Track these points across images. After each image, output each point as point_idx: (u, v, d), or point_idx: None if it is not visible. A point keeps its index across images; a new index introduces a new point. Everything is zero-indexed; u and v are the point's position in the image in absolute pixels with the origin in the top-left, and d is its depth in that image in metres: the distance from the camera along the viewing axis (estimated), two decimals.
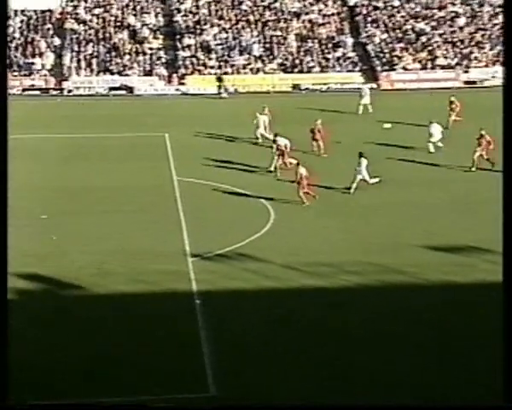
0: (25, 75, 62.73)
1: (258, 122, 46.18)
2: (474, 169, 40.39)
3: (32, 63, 63.71)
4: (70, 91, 61.55)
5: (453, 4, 70.43)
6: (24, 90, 61.16)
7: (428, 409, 11.44)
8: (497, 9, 69.57)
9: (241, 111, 51.83)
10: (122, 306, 26.56)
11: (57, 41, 65.77)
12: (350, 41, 67.10)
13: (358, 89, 56.97)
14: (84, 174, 40.67)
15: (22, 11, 67.21)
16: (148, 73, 63.80)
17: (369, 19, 69.00)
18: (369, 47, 66.85)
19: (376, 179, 37.65)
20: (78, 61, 64.16)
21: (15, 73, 62.51)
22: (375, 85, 63.01)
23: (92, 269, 29.07)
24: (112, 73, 63.28)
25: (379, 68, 64.89)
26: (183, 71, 64.25)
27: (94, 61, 64.21)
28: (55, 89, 61.68)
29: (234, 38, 67.06)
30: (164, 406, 11.12)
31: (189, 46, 66.34)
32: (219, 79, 61.54)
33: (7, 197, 7.16)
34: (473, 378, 22.21)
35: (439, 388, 21.74)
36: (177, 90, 62.39)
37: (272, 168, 40.56)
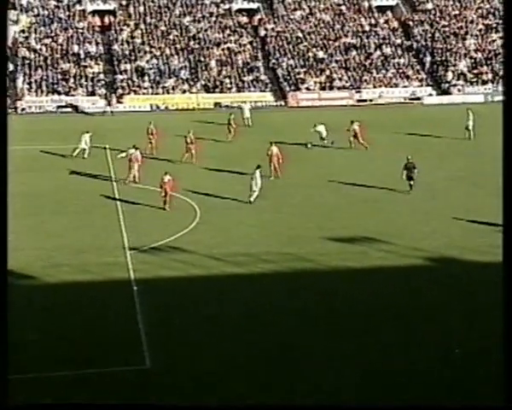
0: None
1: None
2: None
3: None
4: (23, 110, 60.67)
5: (346, 36, 71.17)
6: None
7: (428, 409, 10.68)
8: (381, 40, 70.61)
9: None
10: (70, 293, 26.14)
11: (11, 66, 64.45)
12: (262, 66, 67.27)
13: (239, 107, 56.69)
14: (34, 181, 39.95)
15: None
16: (91, 94, 62.99)
17: (278, 47, 69.26)
18: (278, 71, 67.13)
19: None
20: (30, 83, 63.15)
21: None
22: (283, 103, 63.34)
23: (43, 262, 28.61)
24: (59, 94, 62.26)
25: (287, 89, 65.19)
26: (120, 91, 63.58)
27: (43, 83, 63.23)
28: (10, 108, 59.83)
29: (164, 64, 66.62)
30: (164, 406, 10.59)
31: (125, 70, 65.69)
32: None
33: (6, 198, 6.68)
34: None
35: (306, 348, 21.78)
36: (116, 107, 61.75)
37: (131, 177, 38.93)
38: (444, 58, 69.04)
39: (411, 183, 37.16)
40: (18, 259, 28.63)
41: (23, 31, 67.81)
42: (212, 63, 66.89)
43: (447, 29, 71.88)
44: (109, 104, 60.35)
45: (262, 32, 71.21)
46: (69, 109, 60.83)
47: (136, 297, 25.55)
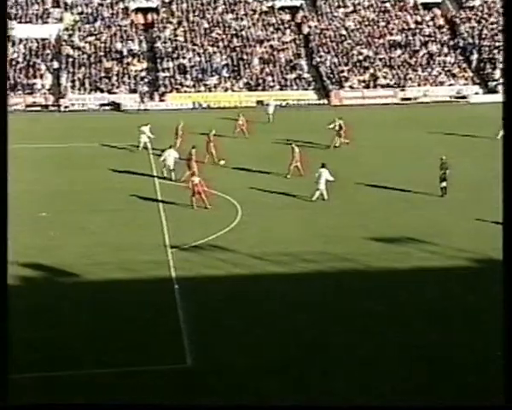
0: (27, 94, 62.20)
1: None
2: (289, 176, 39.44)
3: (34, 83, 63.23)
4: (66, 107, 61.07)
5: (390, 34, 70.81)
6: (27, 106, 60.85)
7: (429, 409, 10.75)
8: (427, 38, 70.09)
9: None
10: (112, 290, 26.31)
11: (55, 64, 65.33)
12: (305, 64, 67.23)
13: (267, 104, 56.82)
14: (75, 178, 40.31)
15: (26, 39, 66.59)
16: (133, 91, 63.55)
17: (321, 45, 69.17)
18: (322, 68, 67.01)
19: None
20: (73, 81, 63.64)
21: (19, 92, 62.07)
22: (326, 101, 63.24)
23: (85, 260, 28.70)
24: (102, 92, 62.86)
25: (330, 87, 65.05)
26: (162, 89, 64.04)
27: (87, 81, 63.71)
28: (53, 105, 61.33)
29: (206, 61, 66.95)
30: (164, 406, 10.63)
31: (168, 68, 66.16)
32: None
33: (7, 198, 6.93)
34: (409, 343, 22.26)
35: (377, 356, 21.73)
36: (157, 105, 62.24)
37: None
38: (491, 56, 68.30)
39: (444, 184, 36.50)
40: (60, 256, 29.23)
41: (67, 29, 68.63)
42: (255, 61, 67.03)
43: (495, 26, 71.08)
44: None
45: (305, 30, 71.16)
46: (111, 107, 61.36)
47: (177, 296, 25.70)
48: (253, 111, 56.61)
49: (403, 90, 64.80)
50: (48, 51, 66.34)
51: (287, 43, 69.28)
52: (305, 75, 66.17)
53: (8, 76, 6.06)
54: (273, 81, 65.45)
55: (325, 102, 63.15)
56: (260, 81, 65.39)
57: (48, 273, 27.76)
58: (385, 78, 66.19)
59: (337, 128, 46.49)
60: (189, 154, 39.51)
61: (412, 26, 71.41)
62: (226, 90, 64.67)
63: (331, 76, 66.17)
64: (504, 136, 6.59)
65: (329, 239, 31.14)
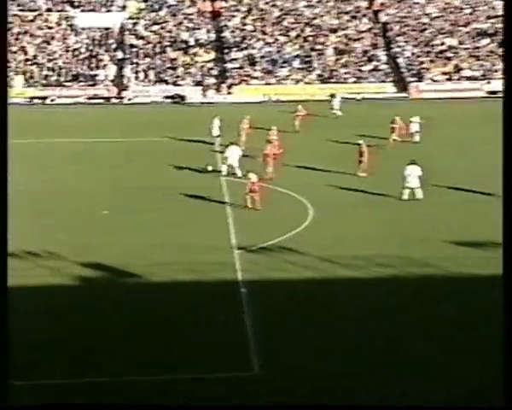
0: (89, 85, 63.13)
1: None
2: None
3: (96, 75, 64.12)
4: (129, 100, 61.86)
5: (476, 21, 69.88)
6: (88, 98, 61.61)
7: (429, 409, 11.03)
8: None
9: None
10: (175, 292, 26.55)
11: (119, 55, 66.32)
12: (382, 54, 66.84)
13: (332, 95, 56.16)
14: (136, 175, 40.64)
15: (89, 28, 67.72)
16: (199, 84, 64.09)
17: (400, 34, 68.68)
18: (400, 60, 66.56)
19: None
20: (137, 72, 64.46)
21: (81, 84, 63.07)
22: (405, 95, 62.81)
23: (146, 260, 28.85)
24: (166, 83, 63.50)
25: (409, 79, 64.58)
26: (230, 81, 64.46)
27: (151, 72, 64.36)
28: (116, 97, 62.11)
29: (277, 52, 67.13)
30: (164, 406, 10.88)
31: (236, 59, 66.55)
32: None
33: (7, 198, 7.00)
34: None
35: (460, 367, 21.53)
36: (225, 98, 62.65)
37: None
38: None
39: None
40: (119, 255, 29.56)
41: (131, 17, 69.67)
42: (328, 51, 66.98)
43: None
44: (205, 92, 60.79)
45: (383, 18, 70.79)
46: (175, 100, 61.85)
47: (243, 299, 25.90)
48: (324, 104, 56.39)
49: (489, 82, 63.93)
50: (111, 41, 67.43)
51: (363, 32, 69.03)
52: (383, 67, 65.85)
53: (8, 70, 7.91)
54: (348, 73, 65.30)
55: (404, 95, 62.72)
56: (334, 73, 65.31)
57: (108, 274, 28.04)
58: (470, 69, 65.40)
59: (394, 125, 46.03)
60: (269, 147, 39.99)
61: (500, 12, 70.38)
62: (297, 82, 64.78)
63: (410, 67, 65.70)
64: (504, 136, 6.73)
65: (406, 242, 30.99)
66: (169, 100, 61.73)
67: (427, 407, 13.20)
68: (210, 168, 41.20)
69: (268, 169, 39.17)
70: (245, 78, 64.97)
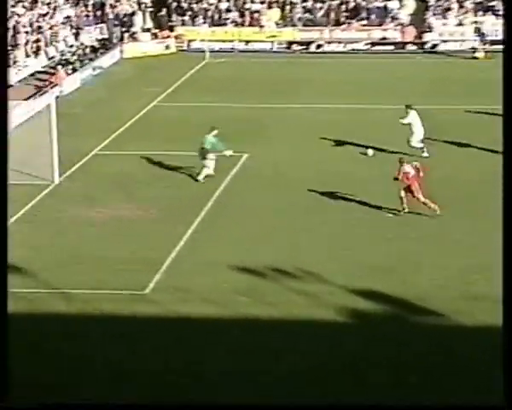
0: (374, 25, 60.38)
1: None
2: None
3: (386, 8, 60.74)
4: (434, 46, 58.56)
5: None
6: (372, 44, 59.76)
7: (429, 409, 12.90)
8: None
9: None
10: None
11: None
12: None
13: None
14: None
15: None
16: None
17: None
18: None
19: None
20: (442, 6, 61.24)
21: (363, 22, 60.70)
22: None
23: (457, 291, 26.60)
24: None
25: None
26: None
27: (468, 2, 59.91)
28: (413, 43, 59.17)
29: None
30: (164, 405, 11.76)
31: None
32: None
33: (7, 198, 7.85)
34: None
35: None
36: None
37: None
38: None
39: None
40: (415, 283, 27.01)
41: None
42: None
43: None
44: None
45: None
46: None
47: None
48: None
49: None
50: None
51: None
52: None
53: (8, 63, 8.53)
54: None
55: None
56: None
57: (391, 307, 25.50)
58: None
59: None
60: None
61: None
62: None
63: None
64: (504, 136, 7.73)
65: None
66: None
67: (427, 406, 14.83)
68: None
69: None
70: None
